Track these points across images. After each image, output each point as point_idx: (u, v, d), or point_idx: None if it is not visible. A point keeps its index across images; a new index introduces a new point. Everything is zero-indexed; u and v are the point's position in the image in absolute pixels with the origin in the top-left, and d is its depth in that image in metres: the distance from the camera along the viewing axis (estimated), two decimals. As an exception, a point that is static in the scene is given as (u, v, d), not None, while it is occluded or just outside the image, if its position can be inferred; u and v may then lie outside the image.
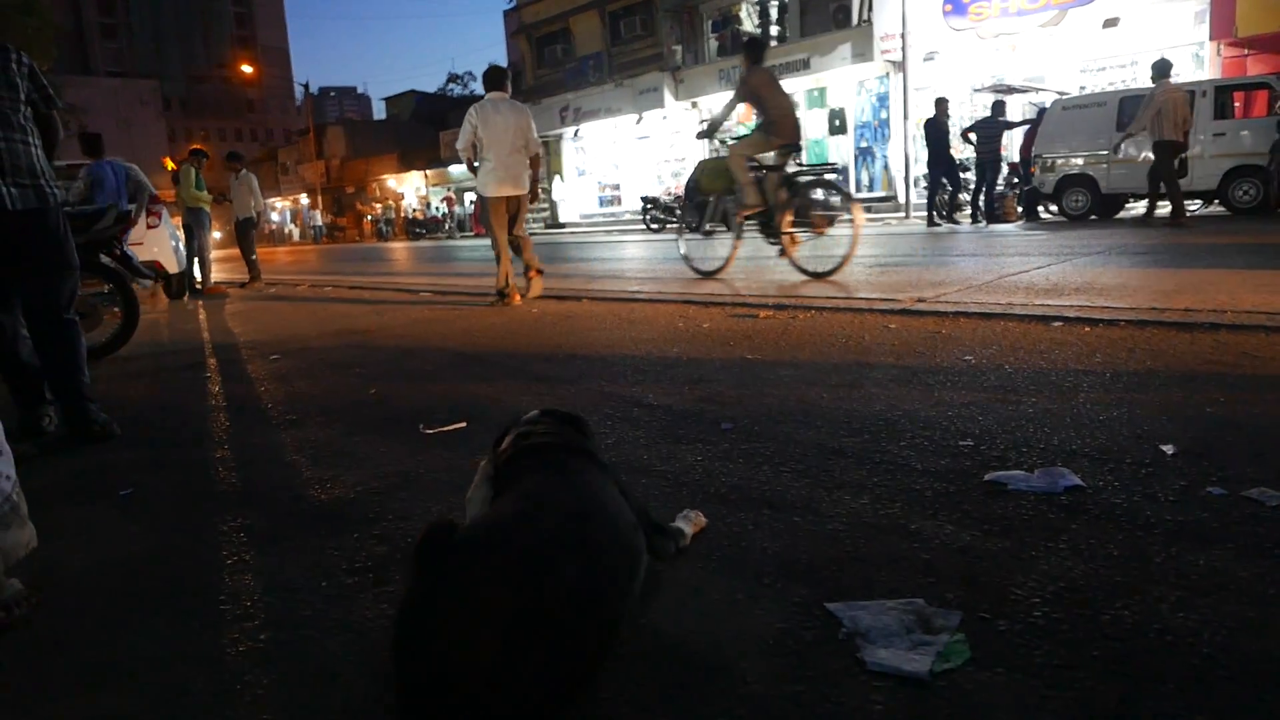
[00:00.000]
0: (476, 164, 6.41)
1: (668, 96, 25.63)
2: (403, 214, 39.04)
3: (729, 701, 1.19)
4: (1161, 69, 9.98)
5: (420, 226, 36.18)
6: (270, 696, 1.29)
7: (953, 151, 13.44)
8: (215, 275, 10.78)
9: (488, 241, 6.82)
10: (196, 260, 10.14)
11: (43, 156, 2.98)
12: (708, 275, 7.20)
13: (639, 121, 26.86)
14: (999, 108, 13.31)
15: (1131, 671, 1.19)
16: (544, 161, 6.31)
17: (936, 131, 13.04)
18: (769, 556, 1.65)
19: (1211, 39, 15.39)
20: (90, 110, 34.81)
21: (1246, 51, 15.45)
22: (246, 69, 47.60)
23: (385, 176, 42.36)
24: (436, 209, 37.49)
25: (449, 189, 37.20)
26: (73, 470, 2.69)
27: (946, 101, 13.39)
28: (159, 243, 8.72)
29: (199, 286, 10.12)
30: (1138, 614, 1.34)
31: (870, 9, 20.58)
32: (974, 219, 13.37)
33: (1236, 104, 12.06)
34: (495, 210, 6.43)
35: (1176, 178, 10.08)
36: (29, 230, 2.90)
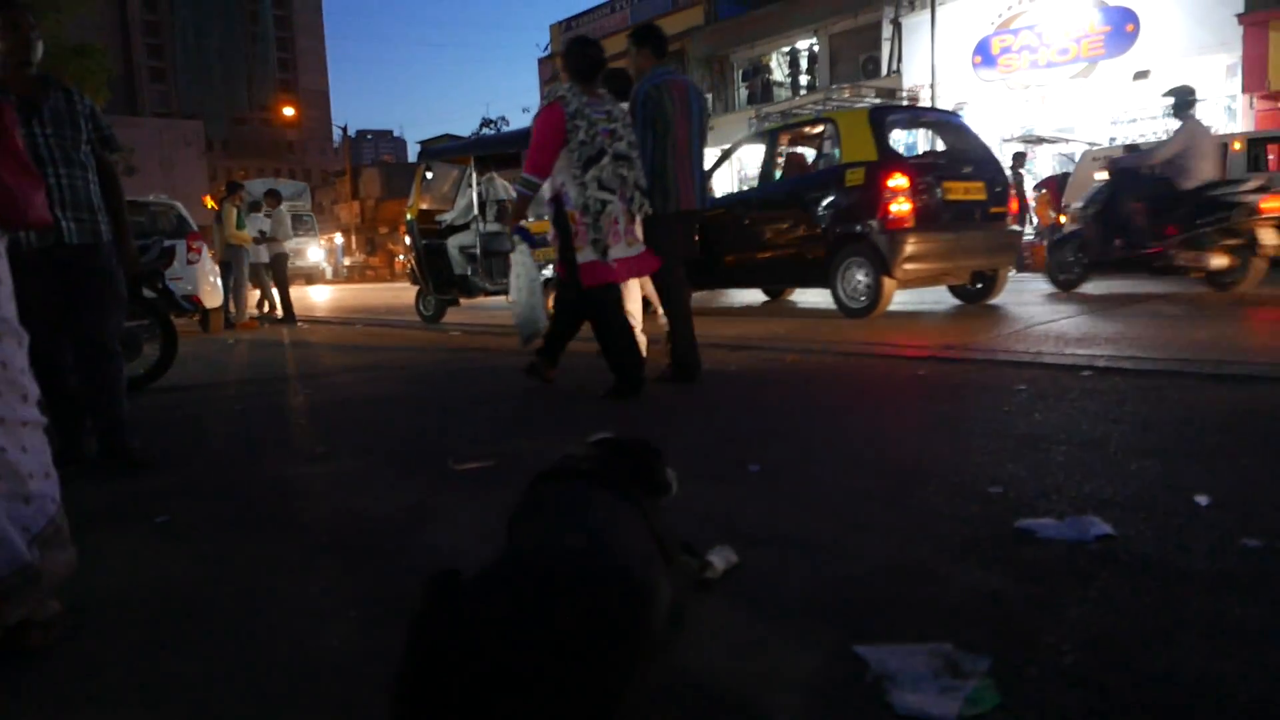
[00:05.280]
0: None
1: (697, 143, 25.89)
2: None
3: (755, 739, 1.19)
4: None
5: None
6: (300, 721, 1.31)
7: None
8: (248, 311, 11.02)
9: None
10: (231, 295, 10.37)
11: (98, 193, 3.09)
12: None
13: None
14: (1018, 159, 13.35)
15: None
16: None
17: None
18: (796, 596, 1.65)
19: (1244, 92, 15.36)
20: (136, 149, 35.75)
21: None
22: (288, 111, 48.90)
23: (418, 218, 43.07)
24: (467, 250, 38.00)
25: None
26: (111, 496, 2.75)
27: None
28: (198, 277, 8.95)
29: (233, 321, 10.33)
30: (1172, 662, 1.32)
31: (900, 60, 20.81)
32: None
33: (1270, 156, 11.96)
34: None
35: None
36: (83, 263, 3.01)
